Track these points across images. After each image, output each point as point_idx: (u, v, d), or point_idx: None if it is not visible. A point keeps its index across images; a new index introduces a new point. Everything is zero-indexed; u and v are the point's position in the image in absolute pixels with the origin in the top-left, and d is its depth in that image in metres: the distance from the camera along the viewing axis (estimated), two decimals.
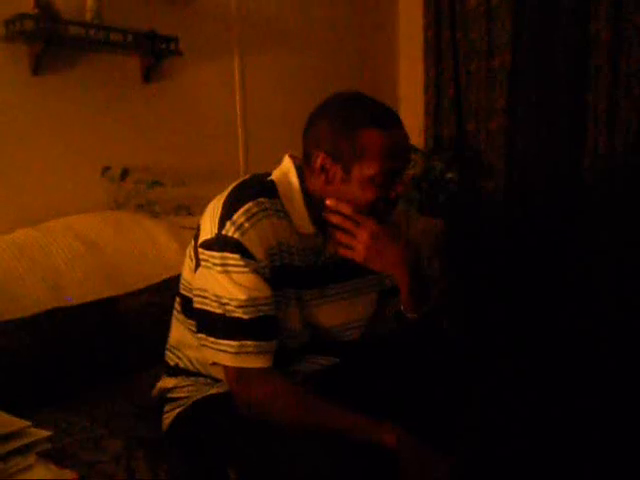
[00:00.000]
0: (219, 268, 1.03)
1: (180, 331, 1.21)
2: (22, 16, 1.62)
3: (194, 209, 2.04)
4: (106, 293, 1.56)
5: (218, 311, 1.04)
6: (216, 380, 1.15)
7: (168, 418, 1.17)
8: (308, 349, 1.17)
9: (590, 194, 2.68)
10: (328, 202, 1.09)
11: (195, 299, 1.10)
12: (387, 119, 1.07)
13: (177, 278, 1.24)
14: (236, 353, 1.03)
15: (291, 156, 1.16)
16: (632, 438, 1.64)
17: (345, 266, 1.19)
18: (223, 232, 1.03)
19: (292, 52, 2.61)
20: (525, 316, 2.48)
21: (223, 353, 1.04)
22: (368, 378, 1.18)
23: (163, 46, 2.01)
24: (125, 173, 1.92)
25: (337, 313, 1.20)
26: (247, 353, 1.03)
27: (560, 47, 2.75)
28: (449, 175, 2.71)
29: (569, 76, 2.74)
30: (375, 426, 0.99)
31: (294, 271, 1.11)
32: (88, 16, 1.79)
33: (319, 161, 1.08)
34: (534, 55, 2.83)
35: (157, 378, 1.27)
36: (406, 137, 1.10)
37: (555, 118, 2.78)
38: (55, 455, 1.02)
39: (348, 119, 1.06)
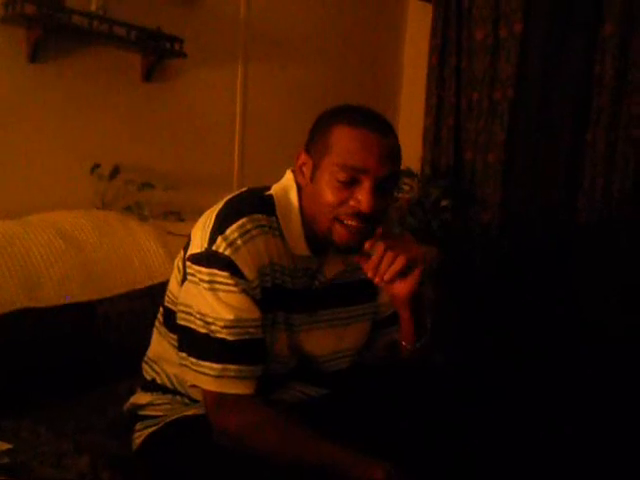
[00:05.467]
0: (206, 285, 0.97)
1: (161, 344, 1.14)
2: None
3: (184, 215, 1.99)
4: (84, 296, 1.49)
5: (202, 330, 0.98)
6: (194, 401, 1.09)
7: (139, 437, 1.10)
8: (294, 377, 1.11)
9: (583, 234, 2.67)
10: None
11: (179, 315, 1.04)
12: (362, 119, 1.01)
13: (161, 286, 1.19)
14: (217, 377, 0.96)
15: (293, 171, 1.10)
16: None
17: (340, 292, 1.14)
18: (213, 247, 0.97)
19: (296, 64, 2.58)
20: (518, 347, 2.45)
21: (203, 376, 0.97)
22: (357, 411, 1.11)
23: (167, 46, 1.96)
24: (115, 172, 1.86)
25: (327, 341, 1.14)
26: (229, 377, 0.97)
27: (564, 85, 2.76)
28: (444, 203, 2.68)
29: (570, 114, 2.75)
30: (363, 462, 0.92)
31: (285, 293, 1.05)
32: (93, 7, 1.74)
33: (300, 159, 1.05)
34: (537, 91, 2.84)
35: (132, 391, 1.20)
36: (382, 142, 0.99)
37: (553, 155, 2.78)
38: (13, 470, 0.95)
39: (326, 116, 1.05)
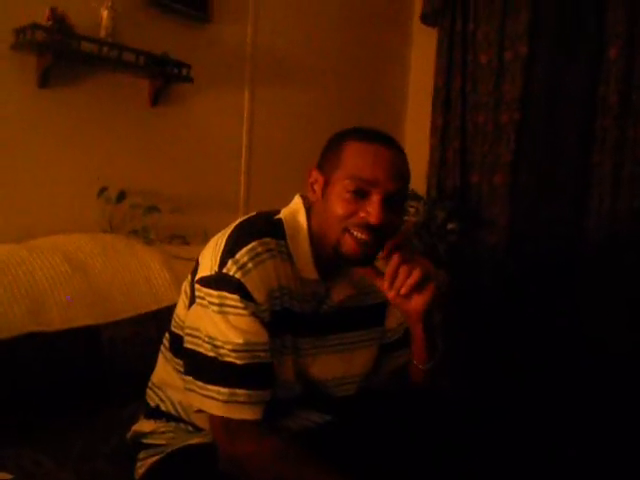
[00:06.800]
0: (216, 308, 0.96)
1: (166, 370, 1.13)
2: (34, 26, 1.59)
3: (190, 239, 1.98)
4: (90, 320, 1.48)
5: (210, 354, 0.96)
6: (198, 429, 1.07)
7: (142, 467, 1.08)
8: (299, 403, 1.09)
9: (592, 255, 2.64)
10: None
11: (186, 338, 1.02)
12: (374, 135, 1.03)
13: (167, 310, 1.17)
14: (225, 401, 0.94)
15: (302, 196, 1.11)
16: None
17: (348, 317, 1.12)
18: (224, 270, 0.96)
19: (302, 89, 2.60)
20: (525, 372, 2.41)
21: (211, 400, 0.95)
22: (363, 438, 1.09)
23: (175, 71, 1.98)
24: (122, 195, 1.86)
25: (334, 366, 1.12)
26: (237, 402, 0.95)
27: (569, 107, 2.76)
28: (450, 226, 2.67)
29: (576, 135, 2.74)
30: None
31: (293, 317, 1.04)
32: (102, 33, 1.76)
33: (312, 177, 1.06)
34: (542, 113, 2.84)
35: (136, 417, 1.18)
36: (392, 157, 1.01)
37: (560, 176, 2.77)
38: None
39: (338, 134, 1.06)
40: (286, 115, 2.53)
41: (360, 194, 0.99)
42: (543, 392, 2.24)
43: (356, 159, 1.00)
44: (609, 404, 2.15)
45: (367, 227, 0.99)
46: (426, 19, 3.11)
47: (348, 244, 1.00)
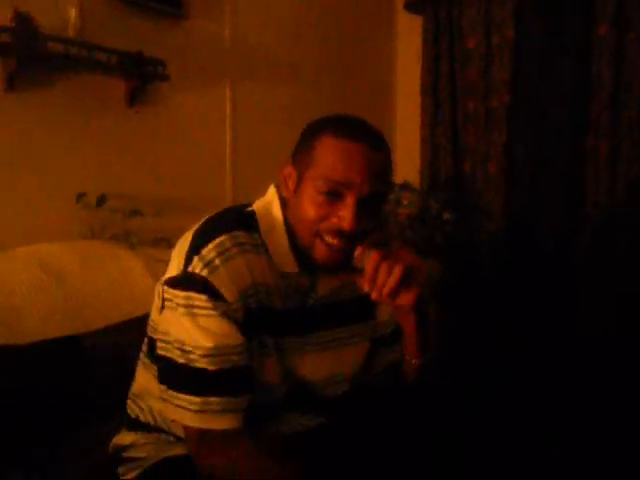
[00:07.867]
0: (183, 310, 0.90)
1: (145, 377, 1.07)
2: None
3: (175, 241, 1.90)
4: (69, 330, 1.42)
5: (180, 360, 0.90)
6: (179, 439, 1.00)
7: None
8: (287, 406, 1.02)
9: (591, 237, 2.58)
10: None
11: (158, 344, 0.97)
12: (350, 130, 0.93)
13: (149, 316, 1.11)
14: (198, 411, 0.88)
15: (277, 186, 1.04)
16: None
17: (335, 311, 1.05)
18: (190, 269, 0.90)
19: (286, 83, 2.53)
20: (524, 365, 2.34)
21: (183, 410, 0.89)
22: (356, 441, 1.03)
23: (150, 69, 1.92)
24: (102, 200, 1.80)
25: (322, 364, 1.05)
26: (211, 412, 0.88)
27: (560, 88, 2.70)
28: (446, 216, 2.60)
29: (569, 118, 2.68)
30: None
31: (273, 315, 0.97)
32: (71, 33, 1.70)
33: (285, 171, 0.99)
34: (533, 96, 2.78)
35: (118, 430, 1.12)
36: (369, 156, 0.91)
37: (555, 160, 2.71)
38: None
39: (314, 125, 0.98)
40: (271, 110, 2.46)
41: (333, 195, 0.91)
42: (537, 386, 2.18)
43: (330, 158, 0.91)
44: (603, 399, 2.08)
45: (339, 233, 0.92)
46: (410, 7, 3.04)
47: (320, 250, 0.94)
